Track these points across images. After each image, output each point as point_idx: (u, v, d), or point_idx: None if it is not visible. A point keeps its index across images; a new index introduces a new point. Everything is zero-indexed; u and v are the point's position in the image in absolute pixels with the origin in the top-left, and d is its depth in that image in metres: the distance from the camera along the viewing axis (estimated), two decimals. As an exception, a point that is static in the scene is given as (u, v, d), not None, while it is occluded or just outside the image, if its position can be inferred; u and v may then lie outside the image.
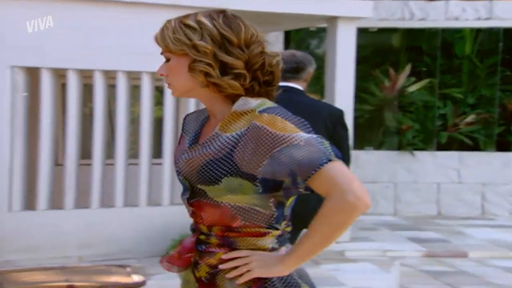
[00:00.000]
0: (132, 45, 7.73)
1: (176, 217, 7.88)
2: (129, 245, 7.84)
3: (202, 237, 2.25)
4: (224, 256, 2.18)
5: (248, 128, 2.11)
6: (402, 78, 12.05)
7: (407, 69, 12.05)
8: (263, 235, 2.20)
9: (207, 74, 2.17)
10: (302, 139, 2.07)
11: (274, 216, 2.20)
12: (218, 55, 2.17)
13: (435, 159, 11.86)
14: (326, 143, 2.09)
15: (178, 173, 2.29)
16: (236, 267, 2.17)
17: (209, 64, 2.16)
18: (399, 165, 11.80)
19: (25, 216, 7.70)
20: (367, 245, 8.85)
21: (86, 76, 8.05)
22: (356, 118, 9.90)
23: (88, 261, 7.38)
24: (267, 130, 2.08)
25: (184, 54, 2.19)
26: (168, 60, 2.23)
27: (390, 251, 8.58)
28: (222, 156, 2.15)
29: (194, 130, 2.33)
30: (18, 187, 7.69)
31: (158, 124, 8.68)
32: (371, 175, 11.60)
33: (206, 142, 2.20)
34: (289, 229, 2.27)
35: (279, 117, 2.10)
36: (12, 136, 7.62)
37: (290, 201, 2.25)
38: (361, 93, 11.27)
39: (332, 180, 2.03)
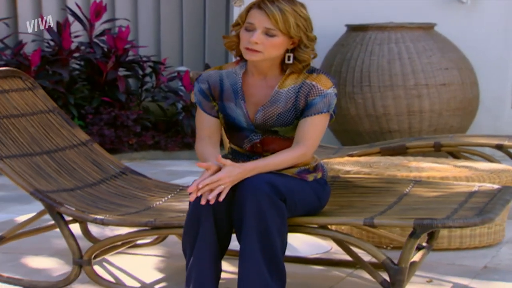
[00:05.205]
0: None
1: None
2: None
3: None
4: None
5: (302, 84, 2.96)
6: None
7: None
8: None
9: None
10: (329, 93, 2.95)
11: None
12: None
13: None
14: (334, 101, 2.97)
15: (249, 125, 3.00)
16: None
17: (312, 49, 2.95)
18: None
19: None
20: None
21: None
22: None
23: None
24: (315, 86, 2.94)
25: (291, 37, 2.87)
26: (270, 34, 2.85)
27: None
28: (290, 106, 2.98)
29: (235, 87, 3.00)
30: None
31: None
32: None
33: (274, 98, 2.97)
34: None
35: (323, 75, 2.96)
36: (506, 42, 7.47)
37: None
38: None
39: (312, 129, 2.94)
